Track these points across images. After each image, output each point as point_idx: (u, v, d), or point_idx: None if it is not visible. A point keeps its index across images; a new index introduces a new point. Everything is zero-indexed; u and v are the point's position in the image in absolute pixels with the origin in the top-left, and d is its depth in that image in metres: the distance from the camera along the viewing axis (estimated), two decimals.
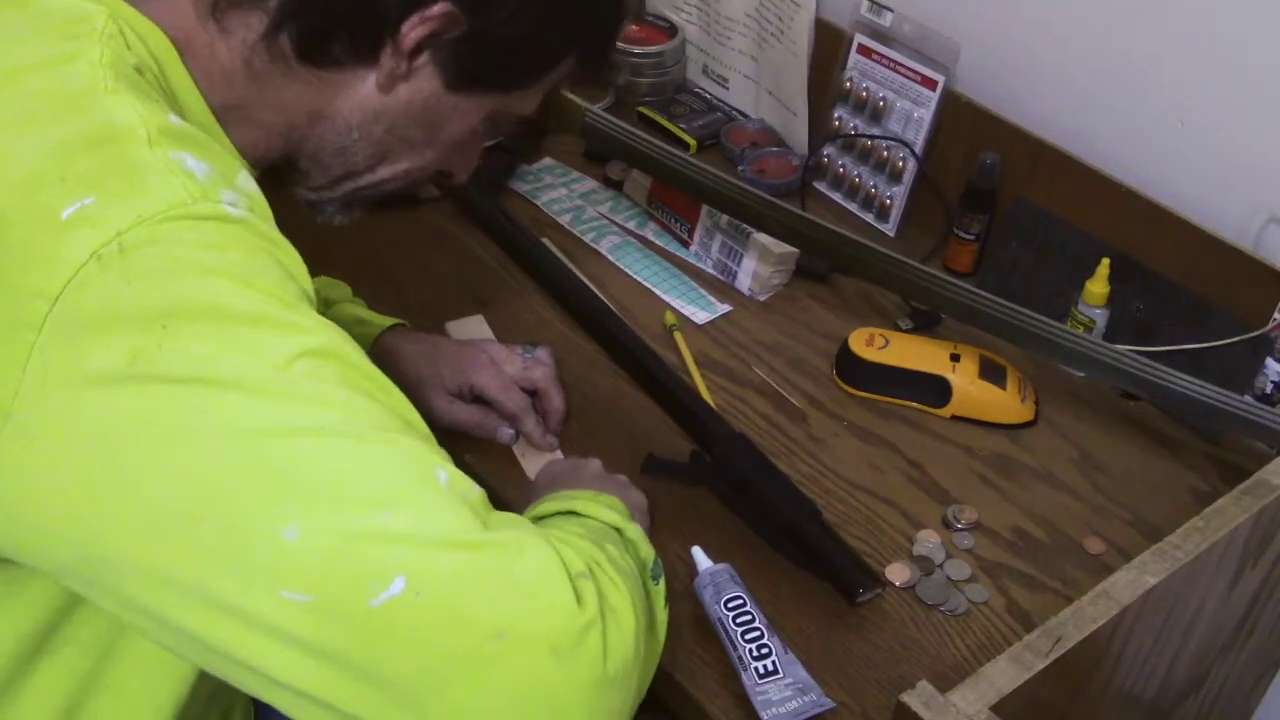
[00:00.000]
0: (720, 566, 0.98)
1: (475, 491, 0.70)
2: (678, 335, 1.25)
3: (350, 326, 1.11)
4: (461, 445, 1.10)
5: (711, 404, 1.15)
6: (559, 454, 1.11)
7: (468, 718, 0.64)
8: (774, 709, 0.89)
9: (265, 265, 0.68)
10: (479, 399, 1.12)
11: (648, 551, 0.86)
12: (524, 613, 0.65)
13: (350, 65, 0.80)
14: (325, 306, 1.15)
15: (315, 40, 0.78)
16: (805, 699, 0.90)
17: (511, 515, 0.74)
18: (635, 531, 0.86)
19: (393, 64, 0.79)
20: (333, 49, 0.79)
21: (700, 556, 0.99)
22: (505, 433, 1.11)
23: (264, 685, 0.66)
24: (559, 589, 0.67)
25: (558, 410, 1.12)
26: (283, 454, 0.63)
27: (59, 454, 0.64)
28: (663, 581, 0.85)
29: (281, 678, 0.64)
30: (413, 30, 0.78)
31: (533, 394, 1.13)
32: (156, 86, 0.75)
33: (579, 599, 0.67)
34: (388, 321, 1.15)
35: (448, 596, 0.64)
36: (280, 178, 0.87)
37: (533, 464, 1.09)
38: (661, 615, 0.84)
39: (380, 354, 1.12)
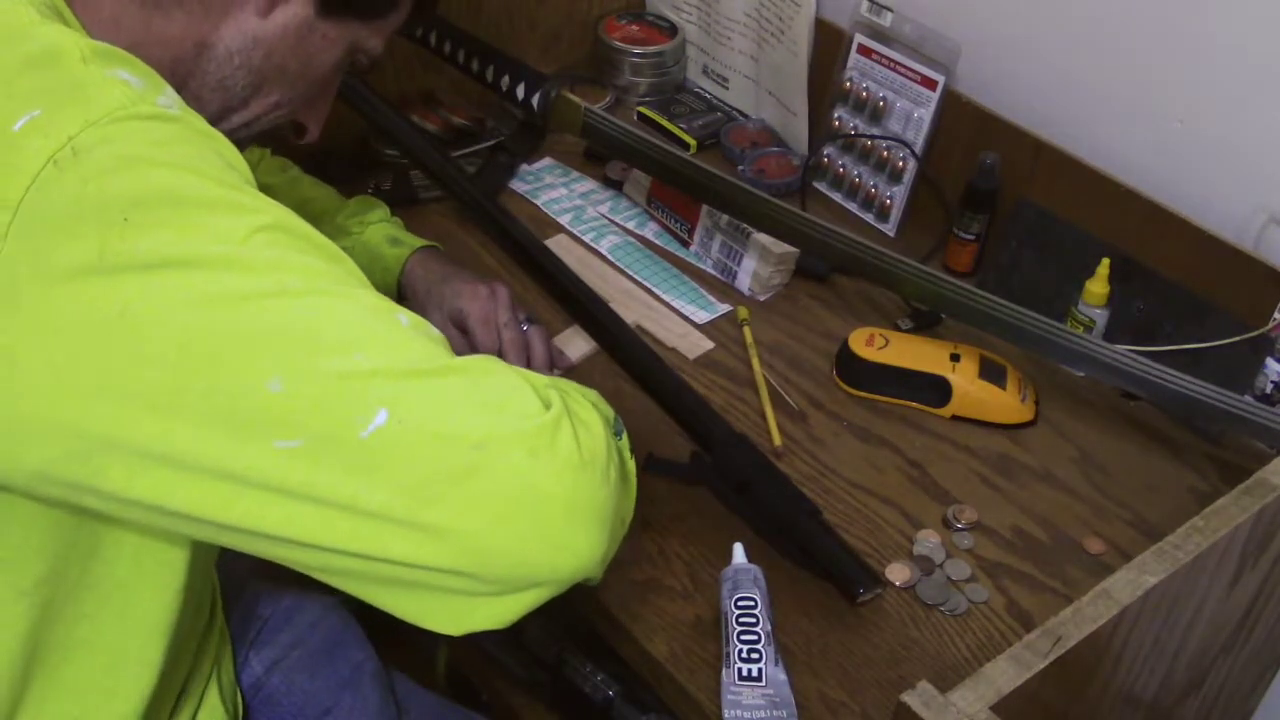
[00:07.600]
0: (749, 566, 0.98)
1: (436, 331, 0.74)
2: (746, 330, 1.27)
3: (382, 245, 1.23)
4: None
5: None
6: None
7: (465, 522, 0.68)
8: (738, 711, 0.89)
9: (207, 155, 0.71)
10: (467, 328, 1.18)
11: (607, 409, 0.89)
12: (498, 423, 0.70)
13: None
14: (361, 226, 1.25)
15: None
16: (773, 713, 0.89)
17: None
18: (593, 393, 0.90)
19: None
20: None
21: (738, 553, 0.99)
22: None
23: (264, 544, 0.69)
24: (526, 399, 0.72)
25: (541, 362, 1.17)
26: (254, 316, 0.67)
27: (34, 351, 0.66)
28: (625, 437, 0.88)
29: (283, 532, 0.68)
30: None
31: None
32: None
33: (546, 405, 0.72)
34: (419, 242, 1.25)
35: (427, 419, 0.68)
36: None
37: None
38: (630, 465, 0.87)
39: (407, 271, 1.23)
